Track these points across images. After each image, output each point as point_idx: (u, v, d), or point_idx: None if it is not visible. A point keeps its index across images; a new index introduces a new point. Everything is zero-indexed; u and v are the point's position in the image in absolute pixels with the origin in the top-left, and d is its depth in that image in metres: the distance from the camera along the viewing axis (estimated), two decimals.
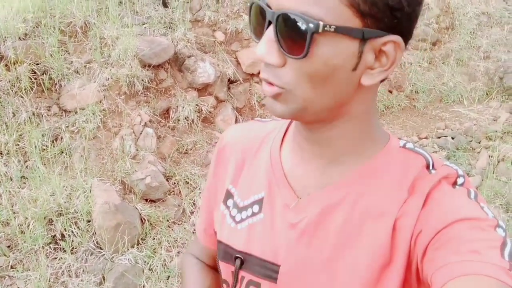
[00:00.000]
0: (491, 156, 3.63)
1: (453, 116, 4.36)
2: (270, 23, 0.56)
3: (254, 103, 3.82)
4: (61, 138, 2.98)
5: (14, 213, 2.63)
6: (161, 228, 2.78)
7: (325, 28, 0.53)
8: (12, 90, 3.01)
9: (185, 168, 3.14)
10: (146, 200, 2.90)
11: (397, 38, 0.56)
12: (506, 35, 5.15)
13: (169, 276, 2.59)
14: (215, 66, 3.65)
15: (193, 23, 3.89)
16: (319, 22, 0.52)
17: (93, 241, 2.61)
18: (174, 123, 3.37)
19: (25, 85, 3.02)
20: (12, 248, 2.56)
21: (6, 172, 2.79)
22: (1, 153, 2.86)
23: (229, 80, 3.76)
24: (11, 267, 2.49)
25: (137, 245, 2.68)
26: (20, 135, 2.93)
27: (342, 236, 0.63)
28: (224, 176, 0.77)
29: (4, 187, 2.71)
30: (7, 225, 2.62)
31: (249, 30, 0.63)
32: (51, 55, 3.15)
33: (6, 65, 3.07)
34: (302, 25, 0.53)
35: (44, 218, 2.60)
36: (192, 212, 2.95)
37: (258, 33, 0.59)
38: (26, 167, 2.86)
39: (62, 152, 2.94)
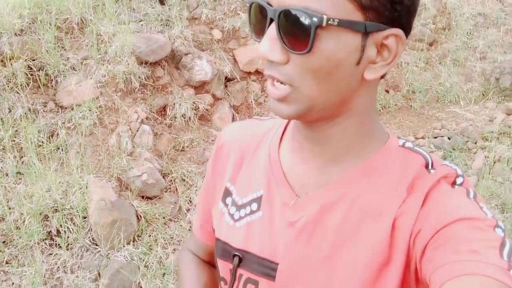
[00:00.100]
0: (487, 157, 3.64)
1: (450, 116, 4.37)
2: (271, 20, 0.56)
3: (251, 101, 3.82)
4: (57, 134, 2.96)
5: (9, 208, 2.62)
6: (157, 225, 2.78)
7: (329, 22, 0.53)
8: (8, 86, 2.99)
9: (181, 166, 3.14)
10: (142, 197, 2.90)
11: (399, 31, 0.56)
12: (503, 36, 5.16)
13: (164, 273, 2.59)
14: (212, 64, 3.64)
15: (190, 20, 3.88)
16: (322, 16, 0.53)
17: (89, 237, 2.61)
18: (171, 120, 3.36)
19: (21, 81, 3.00)
20: (7, 243, 2.55)
21: (1, 168, 2.77)
22: None
23: (226, 78, 3.75)
24: (6, 263, 2.48)
25: (133, 242, 2.68)
26: (16, 131, 2.92)
27: (341, 235, 0.63)
28: (223, 174, 0.77)
29: (0, 182, 2.70)
30: (3, 220, 2.61)
31: (249, 29, 0.63)
32: (47, 51, 3.13)
33: (2, 61, 3.05)
34: (306, 20, 0.53)
35: (40, 214, 2.59)
36: (188, 210, 2.95)
37: (259, 31, 0.59)
38: (22, 163, 2.85)
39: (58, 148, 2.93)
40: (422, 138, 3.99)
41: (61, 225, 2.59)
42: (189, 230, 2.81)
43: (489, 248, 0.53)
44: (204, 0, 3.96)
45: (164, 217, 2.84)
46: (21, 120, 2.92)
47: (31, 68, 3.08)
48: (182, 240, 2.77)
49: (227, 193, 0.75)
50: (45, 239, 2.58)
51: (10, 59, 3.04)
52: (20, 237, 2.53)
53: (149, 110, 3.25)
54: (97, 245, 2.60)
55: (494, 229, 0.56)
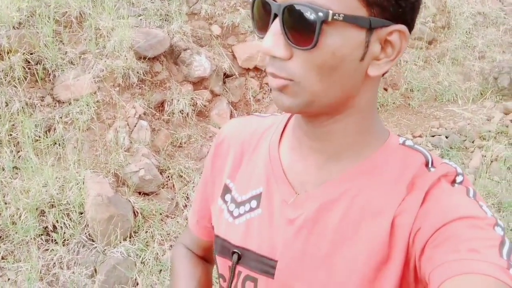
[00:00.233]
0: (484, 156, 3.65)
1: (448, 115, 4.38)
2: (275, 16, 0.56)
3: (250, 98, 3.81)
4: (54, 129, 2.95)
5: (5, 203, 2.61)
6: (154, 222, 2.77)
7: (334, 17, 0.53)
8: (5, 80, 2.97)
9: (179, 162, 3.13)
10: (139, 193, 2.89)
11: (403, 27, 0.56)
12: (502, 35, 5.17)
13: (161, 270, 2.59)
14: (211, 59, 3.63)
15: (189, 16, 3.87)
16: (328, 11, 0.52)
17: (85, 233, 2.60)
18: (169, 116, 3.35)
19: (19, 74, 2.99)
20: (3, 239, 2.54)
21: None
22: None
23: (224, 74, 3.74)
24: (2, 258, 2.47)
25: (130, 238, 2.67)
26: (13, 125, 2.90)
27: (340, 233, 0.63)
28: (222, 170, 0.77)
29: None
30: None
31: (252, 25, 0.63)
32: (45, 45, 3.12)
33: (0, 54, 3.03)
34: (311, 15, 0.53)
35: (36, 209, 2.58)
36: (185, 206, 2.94)
37: (262, 27, 0.59)
38: (19, 157, 2.83)
39: (55, 143, 2.91)
40: (420, 136, 3.99)
41: (57, 221, 2.58)
42: (186, 226, 2.80)
43: (489, 247, 0.53)
44: None
45: (161, 213, 2.83)
46: (18, 114, 2.90)
47: (29, 62, 3.06)
48: (179, 236, 2.76)
49: (226, 189, 0.75)
50: (41, 234, 2.57)
51: (8, 53, 3.02)
52: (16, 233, 2.52)
53: (147, 105, 3.24)
54: (93, 241, 2.59)
55: (493, 227, 0.56)
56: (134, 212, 2.75)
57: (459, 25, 5.09)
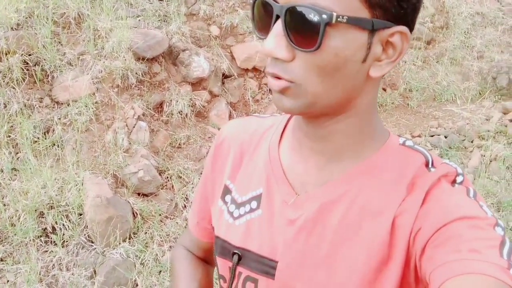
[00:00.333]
0: (484, 156, 3.65)
1: (446, 115, 4.38)
2: (277, 17, 0.55)
3: (248, 98, 3.81)
4: (53, 130, 2.95)
5: (4, 205, 2.61)
6: (153, 223, 2.77)
7: (338, 19, 0.52)
8: (4, 81, 2.97)
9: (178, 163, 3.13)
10: (139, 194, 2.89)
11: (404, 28, 0.56)
12: (500, 35, 5.18)
13: (160, 271, 2.58)
14: (210, 60, 3.63)
15: (188, 16, 3.87)
16: (332, 13, 0.52)
17: (85, 234, 2.59)
18: (168, 117, 3.35)
19: (17, 76, 2.98)
20: (2, 240, 2.54)
21: None
22: None
23: (223, 74, 3.74)
24: (1, 260, 2.47)
25: (129, 239, 2.67)
26: (11, 126, 2.90)
27: (341, 233, 0.62)
28: (222, 171, 0.77)
29: None
30: None
31: (252, 26, 0.63)
32: (43, 46, 3.11)
33: None
34: (315, 17, 0.53)
35: (35, 210, 2.58)
36: (184, 207, 2.94)
37: (263, 28, 0.58)
38: (17, 159, 2.83)
39: (54, 145, 2.91)
40: (419, 136, 4.00)
41: (56, 222, 2.58)
42: (185, 227, 2.80)
43: (489, 247, 0.53)
44: None
45: (160, 214, 2.83)
46: (16, 116, 2.90)
47: (27, 63, 3.06)
48: (178, 237, 2.75)
49: (227, 190, 0.75)
50: (40, 236, 2.57)
51: (6, 54, 3.02)
52: (15, 234, 2.52)
53: (146, 106, 3.24)
54: (92, 242, 2.59)
55: (494, 227, 0.56)
56: (133, 213, 2.75)
57: (458, 25, 5.10)
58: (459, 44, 5.00)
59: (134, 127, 3.09)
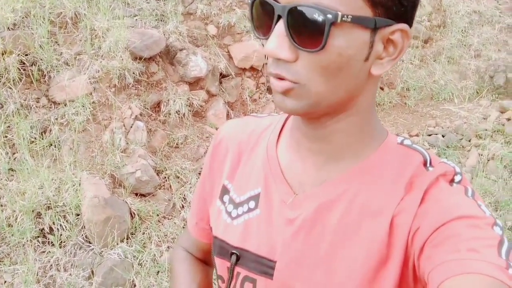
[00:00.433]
0: (481, 155, 3.66)
1: (444, 114, 4.38)
2: (279, 17, 0.55)
3: (246, 98, 3.81)
4: (50, 131, 2.94)
5: (1, 206, 2.60)
6: (151, 223, 2.76)
7: (343, 19, 0.52)
8: (0, 81, 2.96)
9: (175, 163, 3.12)
10: (136, 194, 2.88)
11: (405, 26, 0.57)
12: (497, 34, 5.19)
13: (158, 271, 2.58)
14: (207, 60, 3.62)
15: (185, 16, 3.86)
16: (337, 13, 0.52)
17: (82, 235, 2.59)
18: (165, 116, 3.34)
19: (14, 76, 2.97)
20: None
21: None
22: None
23: (221, 74, 3.73)
24: None
25: (127, 239, 2.66)
26: (8, 126, 2.89)
27: (339, 233, 0.62)
28: (220, 171, 0.77)
29: None
30: None
31: (251, 26, 0.62)
32: (40, 46, 3.10)
33: None
34: (319, 17, 0.52)
35: (32, 211, 2.57)
36: (182, 207, 2.94)
37: (263, 29, 0.58)
38: (14, 159, 2.82)
39: (51, 145, 2.90)
40: (416, 135, 4.00)
41: (53, 223, 2.57)
42: (183, 227, 2.79)
43: (488, 246, 0.53)
44: None
45: (158, 215, 2.82)
46: (13, 116, 2.89)
47: (24, 63, 3.05)
48: (176, 237, 2.75)
49: (225, 190, 0.75)
50: (38, 236, 2.56)
51: (3, 54, 3.00)
52: (12, 235, 2.51)
53: (143, 106, 3.23)
54: (90, 242, 2.58)
55: (492, 227, 0.56)
56: (131, 214, 2.74)
57: (455, 23, 5.11)
58: (456, 42, 5.01)
59: (131, 127, 3.08)
